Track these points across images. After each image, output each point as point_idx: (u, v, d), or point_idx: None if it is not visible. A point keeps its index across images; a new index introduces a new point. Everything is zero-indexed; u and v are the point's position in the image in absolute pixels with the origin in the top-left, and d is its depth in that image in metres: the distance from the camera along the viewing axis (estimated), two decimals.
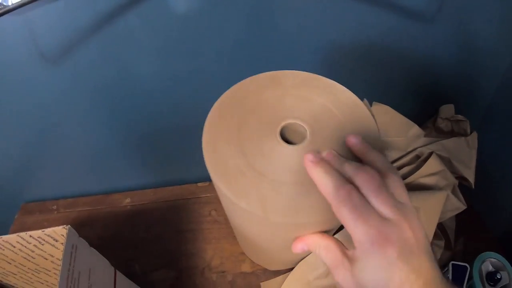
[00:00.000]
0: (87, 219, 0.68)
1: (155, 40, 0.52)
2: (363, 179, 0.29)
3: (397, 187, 0.30)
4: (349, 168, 0.30)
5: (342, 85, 0.40)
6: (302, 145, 0.33)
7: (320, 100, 0.36)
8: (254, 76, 0.40)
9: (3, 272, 0.43)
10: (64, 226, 0.35)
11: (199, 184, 0.72)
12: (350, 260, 0.29)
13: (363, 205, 0.28)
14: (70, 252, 0.35)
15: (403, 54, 0.59)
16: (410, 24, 0.55)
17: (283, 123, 0.34)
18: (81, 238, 0.38)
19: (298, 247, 0.34)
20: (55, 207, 0.71)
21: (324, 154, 0.32)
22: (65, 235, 0.35)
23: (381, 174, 0.29)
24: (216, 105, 0.37)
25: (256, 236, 0.40)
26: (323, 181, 0.29)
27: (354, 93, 0.39)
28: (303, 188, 0.30)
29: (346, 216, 0.27)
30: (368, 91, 0.61)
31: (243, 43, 0.53)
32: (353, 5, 0.51)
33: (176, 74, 0.56)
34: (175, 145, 0.68)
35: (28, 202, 0.73)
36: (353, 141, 0.32)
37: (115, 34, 0.50)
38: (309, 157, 0.30)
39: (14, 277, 0.44)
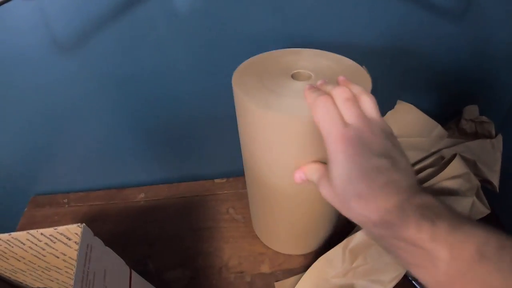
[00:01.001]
0: (99, 214, 0.67)
1: (175, 30, 0.52)
2: (337, 91, 0.35)
3: (367, 103, 0.34)
4: (331, 87, 0.36)
5: None
6: (307, 82, 0.41)
7: (327, 63, 0.45)
8: (278, 50, 0.48)
9: (12, 269, 0.42)
10: (79, 224, 0.33)
11: (216, 181, 0.71)
12: (328, 170, 0.33)
13: (334, 110, 0.33)
14: (85, 252, 0.32)
15: (427, 53, 0.59)
16: (437, 23, 0.55)
17: (294, 71, 0.43)
18: (96, 237, 0.35)
19: (297, 176, 0.40)
20: (66, 200, 0.70)
21: (318, 83, 0.39)
22: (79, 234, 0.33)
23: (356, 95, 0.35)
24: (243, 63, 0.45)
25: (270, 164, 0.44)
26: (309, 95, 0.36)
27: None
28: None
29: (319, 118, 0.33)
30: (391, 89, 0.62)
31: (260, 34, 0.54)
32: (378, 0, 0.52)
33: (193, 67, 0.56)
34: (190, 139, 0.67)
35: (38, 195, 0.72)
36: (341, 78, 0.39)
37: (133, 22, 0.50)
38: (306, 86, 0.38)
39: (23, 274, 0.43)
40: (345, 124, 0.32)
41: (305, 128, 0.37)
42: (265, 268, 0.57)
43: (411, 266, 0.29)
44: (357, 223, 0.32)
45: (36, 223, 0.66)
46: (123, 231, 0.63)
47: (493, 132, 0.61)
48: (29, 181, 0.71)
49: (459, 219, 0.27)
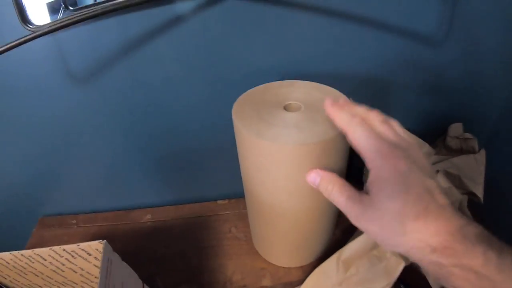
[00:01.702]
0: (107, 235, 0.68)
1: (182, 66, 0.54)
2: (372, 115, 0.34)
3: (397, 126, 0.33)
4: (361, 109, 0.35)
5: None
6: (297, 112, 0.44)
7: (318, 95, 0.47)
8: (277, 81, 0.51)
9: (29, 285, 0.43)
10: (100, 241, 0.36)
11: (219, 202, 0.73)
12: (365, 193, 0.31)
13: (374, 131, 0.31)
14: (106, 266, 0.35)
15: (414, 76, 0.61)
16: (420, 48, 0.57)
17: (286, 102, 0.46)
18: (115, 252, 0.38)
19: (311, 177, 0.37)
20: (74, 221, 0.71)
21: (340, 100, 0.37)
22: (100, 250, 0.36)
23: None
24: (243, 94, 0.49)
25: (265, 185, 0.47)
26: (339, 114, 0.34)
27: None
28: (304, 129, 0.41)
29: (360, 137, 0.31)
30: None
31: (259, 67, 0.56)
32: (363, 30, 0.54)
33: (199, 97, 0.59)
34: (195, 163, 0.69)
35: (47, 216, 0.73)
36: (328, 101, 0.36)
37: (143, 58, 0.52)
38: (328, 100, 0.36)
39: None
40: (390, 142, 0.31)
41: (289, 154, 0.40)
42: (266, 282, 0.58)
43: None
44: (408, 254, 0.29)
45: (45, 243, 0.66)
46: (131, 251, 0.62)
47: (477, 148, 0.62)
48: (39, 202, 0.71)
49: None
